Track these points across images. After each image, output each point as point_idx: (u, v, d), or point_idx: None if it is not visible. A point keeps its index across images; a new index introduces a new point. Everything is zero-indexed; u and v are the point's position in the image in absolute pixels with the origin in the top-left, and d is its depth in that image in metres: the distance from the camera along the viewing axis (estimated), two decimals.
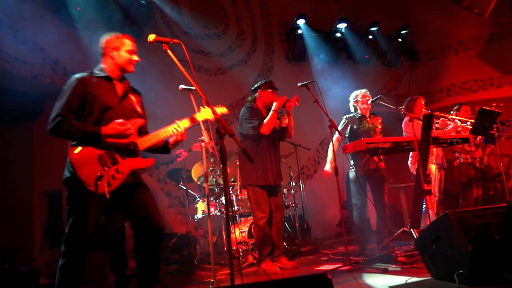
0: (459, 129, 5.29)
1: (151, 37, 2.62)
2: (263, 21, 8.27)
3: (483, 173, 6.19)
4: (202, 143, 3.65)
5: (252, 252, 4.92)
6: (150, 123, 3.06)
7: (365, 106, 5.00)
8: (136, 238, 3.61)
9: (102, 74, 2.82)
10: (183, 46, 2.57)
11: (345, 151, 4.66)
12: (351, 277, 3.54)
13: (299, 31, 8.06)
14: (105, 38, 2.85)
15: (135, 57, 2.85)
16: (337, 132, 4.33)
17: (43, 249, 5.35)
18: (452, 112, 5.93)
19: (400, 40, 8.93)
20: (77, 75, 2.73)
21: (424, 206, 4.92)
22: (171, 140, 2.90)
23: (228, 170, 5.55)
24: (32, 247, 5.75)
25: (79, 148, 2.57)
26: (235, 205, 5.32)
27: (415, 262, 3.80)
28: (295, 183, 6.36)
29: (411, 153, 5.45)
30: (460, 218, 2.91)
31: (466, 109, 6.00)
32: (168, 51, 2.55)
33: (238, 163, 5.55)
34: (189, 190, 5.67)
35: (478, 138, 5.95)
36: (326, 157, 8.16)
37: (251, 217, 5.44)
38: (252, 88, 4.61)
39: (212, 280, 3.35)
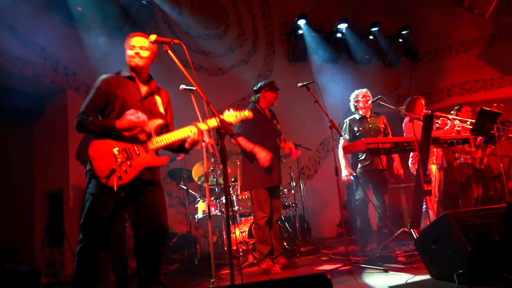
0: (456, 127, 5.29)
1: (152, 37, 2.63)
2: (264, 21, 8.28)
3: (483, 173, 6.19)
4: (203, 143, 3.66)
5: (252, 252, 4.93)
6: None
7: (366, 105, 5.02)
8: (137, 238, 3.65)
9: (127, 74, 2.91)
10: (184, 47, 2.57)
11: (346, 152, 4.68)
12: (351, 277, 3.55)
13: (300, 31, 8.06)
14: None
15: (130, 52, 2.85)
16: (339, 136, 4.38)
17: (43, 249, 5.37)
18: (452, 112, 5.94)
19: (400, 40, 8.93)
20: (103, 76, 2.85)
21: (424, 206, 4.93)
22: (188, 140, 2.89)
23: (229, 170, 5.57)
24: (32, 247, 5.76)
25: (97, 142, 2.71)
26: (235, 205, 5.32)
27: (415, 262, 3.81)
28: (296, 183, 6.36)
29: (411, 154, 5.46)
30: (459, 218, 2.91)
31: (467, 110, 6.00)
32: (169, 51, 2.55)
33: (238, 163, 5.56)
34: (189, 190, 5.68)
35: (478, 139, 5.95)
36: (326, 157, 8.27)
37: (251, 217, 5.45)
38: (255, 89, 4.60)
39: (213, 280, 3.35)
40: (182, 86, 3.62)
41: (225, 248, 5.22)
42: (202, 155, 4.01)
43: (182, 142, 2.90)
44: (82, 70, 5.86)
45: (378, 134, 4.98)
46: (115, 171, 2.63)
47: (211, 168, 5.40)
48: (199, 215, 5.50)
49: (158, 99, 2.98)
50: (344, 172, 4.98)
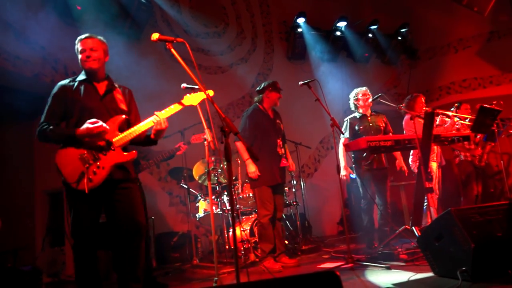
0: (456, 125, 5.30)
1: (155, 36, 2.61)
2: (263, 20, 8.26)
3: (483, 171, 6.21)
4: (205, 142, 3.66)
5: (254, 250, 4.93)
6: None
7: (366, 104, 5.02)
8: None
9: (82, 78, 2.95)
10: (187, 45, 2.57)
11: (347, 150, 4.69)
12: (354, 274, 3.56)
13: (299, 30, 8.06)
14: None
15: (81, 55, 2.88)
16: (342, 136, 4.40)
17: (44, 248, 5.35)
18: (452, 109, 5.95)
19: (399, 38, 8.94)
20: (60, 82, 2.92)
21: (425, 204, 4.94)
22: (152, 130, 2.93)
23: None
24: (33, 247, 5.74)
25: (62, 151, 2.77)
26: (236, 203, 5.32)
27: (417, 259, 3.81)
28: (296, 182, 6.37)
29: (412, 151, 5.47)
30: (462, 215, 2.92)
31: (466, 107, 6.02)
32: (172, 49, 2.55)
33: (239, 161, 5.56)
34: (190, 189, 5.68)
35: (478, 136, 5.97)
36: (326, 155, 8.27)
37: (252, 216, 5.45)
38: (258, 89, 4.64)
39: (216, 278, 3.35)
40: (184, 85, 3.61)
41: (227, 247, 5.23)
42: (203, 154, 4.01)
43: (148, 134, 2.96)
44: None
45: (379, 133, 4.98)
46: (84, 174, 2.68)
47: (212, 166, 5.39)
48: (200, 214, 5.49)
49: (118, 96, 3.00)
50: (343, 172, 4.99)
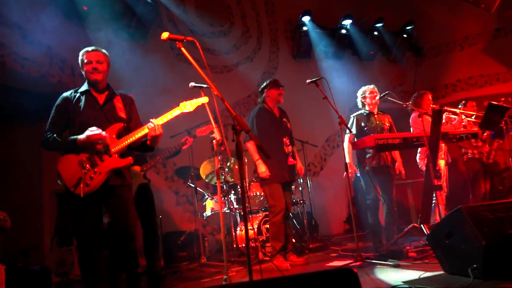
0: (463, 123, 5.28)
1: (165, 35, 2.59)
2: (268, 19, 8.26)
3: (491, 168, 6.17)
4: (214, 140, 3.66)
5: (262, 249, 4.93)
6: None
7: (373, 102, 5.00)
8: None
9: (84, 89, 3.09)
10: (197, 44, 2.57)
11: (355, 148, 4.67)
12: (364, 272, 3.55)
13: (304, 28, 8.05)
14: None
15: (87, 67, 3.01)
16: (348, 132, 4.38)
17: (53, 248, 5.38)
18: (460, 106, 5.93)
19: (405, 36, 8.89)
20: (63, 94, 3.09)
21: (433, 201, 4.92)
22: (148, 136, 3.05)
23: (236, 166, 5.58)
24: (42, 246, 5.77)
25: (64, 158, 2.93)
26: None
27: (426, 257, 3.81)
28: (302, 180, 6.36)
29: (419, 149, 5.44)
30: (473, 213, 2.91)
31: (472, 105, 5.99)
32: (182, 48, 2.55)
33: (246, 160, 5.57)
34: (197, 188, 5.69)
35: (485, 133, 5.94)
36: (332, 154, 8.26)
37: (260, 214, 5.45)
38: (259, 90, 4.70)
39: (226, 277, 3.36)
40: (192, 84, 3.61)
41: (234, 246, 5.23)
42: (209, 153, 4.01)
43: (144, 140, 3.08)
44: None
45: (383, 132, 4.95)
46: (82, 179, 2.84)
47: (219, 165, 5.39)
48: (208, 212, 5.50)
49: (118, 104, 3.14)
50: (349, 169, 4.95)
